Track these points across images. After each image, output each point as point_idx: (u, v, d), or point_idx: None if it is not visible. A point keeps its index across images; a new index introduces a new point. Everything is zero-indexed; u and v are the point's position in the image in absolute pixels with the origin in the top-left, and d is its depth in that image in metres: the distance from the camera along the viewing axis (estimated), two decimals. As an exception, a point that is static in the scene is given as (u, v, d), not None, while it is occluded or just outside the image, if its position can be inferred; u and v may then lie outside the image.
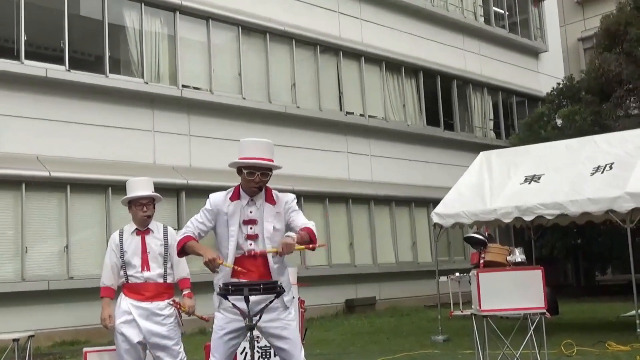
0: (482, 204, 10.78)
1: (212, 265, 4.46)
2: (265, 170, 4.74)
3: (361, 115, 17.97)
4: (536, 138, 16.85)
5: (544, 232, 15.33)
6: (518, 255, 6.72)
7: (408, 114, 19.22)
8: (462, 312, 12.91)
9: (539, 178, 10.64)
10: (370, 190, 17.47)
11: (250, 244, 4.73)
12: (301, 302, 6.78)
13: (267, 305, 4.46)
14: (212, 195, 4.86)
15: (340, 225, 16.81)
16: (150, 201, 5.86)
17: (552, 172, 10.67)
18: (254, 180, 4.71)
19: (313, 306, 13.90)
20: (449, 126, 20.45)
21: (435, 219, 11.05)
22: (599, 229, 16.11)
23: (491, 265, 6.76)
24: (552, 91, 20.52)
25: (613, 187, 9.68)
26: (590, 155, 10.78)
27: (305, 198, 15.89)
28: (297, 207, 4.89)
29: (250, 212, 4.74)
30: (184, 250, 4.70)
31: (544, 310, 6.36)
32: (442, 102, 20.15)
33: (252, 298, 4.46)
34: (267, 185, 4.87)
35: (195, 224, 4.80)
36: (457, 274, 14.00)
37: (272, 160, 4.83)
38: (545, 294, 6.51)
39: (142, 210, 5.78)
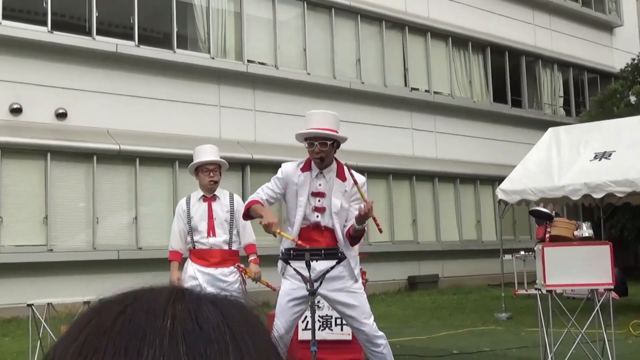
0: (549, 180, 10.57)
1: (267, 230, 4.55)
2: (324, 140, 4.76)
3: (426, 91, 17.79)
4: (608, 116, 16.32)
5: (614, 211, 14.93)
6: (585, 230, 6.56)
7: (474, 91, 18.92)
8: (526, 291, 12.75)
9: (610, 155, 10.35)
10: (434, 167, 17.33)
11: (317, 216, 4.78)
12: (363, 272, 6.80)
13: (328, 271, 4.51)
14: (284, 165, 4.96)
15: (404, 202, 16.76)
16: (216, 167, 5.98)
17: (624, 149, 10.36)
18: (314, 150, 4.77)
19: (375, 282, 13.95)
20: (517, 103, 20.04)
21: (500, 195, 10.90)
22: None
23: (557, 240, 6.63)
24: (626, 67, 19.85)
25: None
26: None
27: (369, 174, 15.84)
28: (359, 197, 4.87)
29: (320, 185, 4.81)
30: (248, 213, 4.79)
31: (611, 287, 6.21)
32: (510, 78, 19.74)
33: (316, 266, 4.53)
34: (338, 160, 4.93)
35: (265, 190, 4.90)
36: (522, 252, 13.80)
37: (334, 131, 4.84)
38: (613, 271, 6.36)
39: (208, 176, 5.91)
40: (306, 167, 4.88)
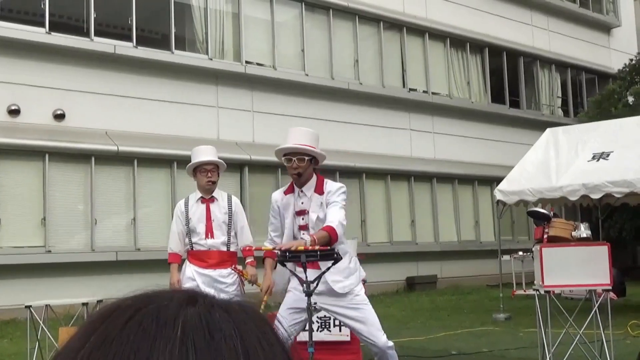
0: (547, 181, 10.56)
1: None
2: (302, 155, 4.81)
3: (424, 92, 17.79)
4: (606, 116, 16.32)
5: (613, 212, 14.93)
6: (583, 231, 6.56)
7: (472, 91, 18.92)
8: (525, 291, 12.74)
9: (608, 155, 10.34)
10: (432, 167, 17.33)
11: (303, 234, 4.83)
12: (361, 274, 6.79)
13: (323, 273, 4.52)
14: (273, 194, 5.21)
15: (402, 203, 16.76)
16: (214, 168, 5.97)
17: (621, 150, 10.35)
18: (292, 166, 4.85)
19: (374, 283, 13.93)
20: (515, 104, 20.04)
21: (498, 196, 10.90)
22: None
23: (555, 241, 6.63)
24: (624, 68, 19.86)
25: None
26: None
27: (367, 175, 15.91)
28: (338, 200, 4.95)
29: (302, 203, 4.98)
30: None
31: (609, 288, 6.20)
32: (508, 79, 19.75)
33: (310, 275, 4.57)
34: (320, 174, 5.02)
35: (270, 228, 5.19)
36: (521, 252, 13.80)
37: (311, 147, 4.88)
38: (611, 271, 6.35)
39: (206, 177, 5.90)
40: (289, 190, 5.05)
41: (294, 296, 4.88)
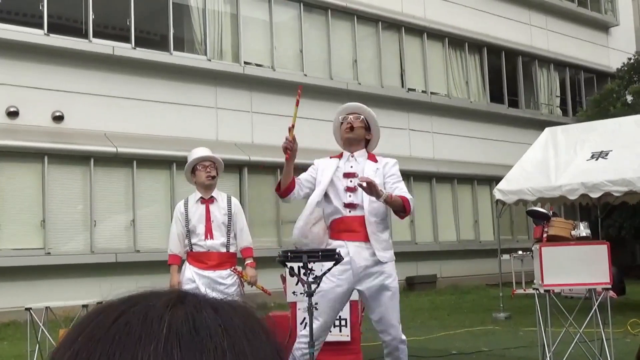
0: (546, 180, 10.58)
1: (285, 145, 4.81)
2: (357, 114, 5.05)
3: (423, 92, 17.81)
4: (605, 115, 16.35)
5: (612, 211, 14.94)
6: (583, 230, 6.58)
7: (471, 91, 18.94)
8: (524, 290, 12.76)
9: (607, 154, 10.36)
10: (432, 167, 17.34)
11: (350, 196, 4.82)
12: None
13: (324, 274, 4.51)
14: (316, 160, 5.22)
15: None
16: (212, 164, 5.98)
17: (620, 148, 10.37)
18: (347, 122, 4.97)
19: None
20: (514, 103, 20.06)
21: (497, 196, 10.92)
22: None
23: (554, 240, 6.64)
24: (622, 67, 19.89)
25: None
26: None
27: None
28: (398, 174, 5.00)
29: (351, 167, 4.92)
30: (280, 186, 4.96)
31: (609, 286, 6.22)
32: (507, 78, 19.76)
33: (357, 260, 4.71)
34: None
35: (304, 175, 5.10)
36: (520, 252, 13.82)
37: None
38: (610, 270, 6.36)
39: (205, 171, 5.90)
40: (337, 156, 5.06)
41: (330, 283, 4.77)
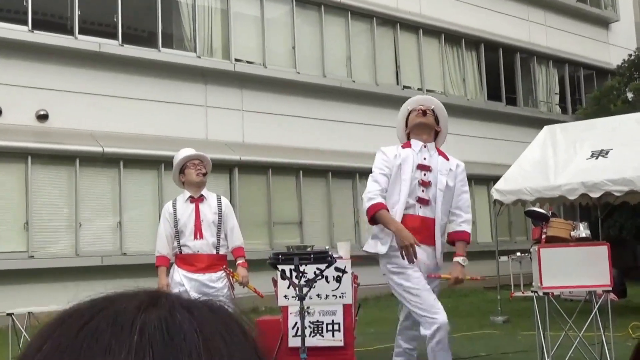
0: (545, 180, 10.59)
1: (407, 252, 4.51)
2: (428, 104, 4.99)
3: (419, 89, 17.79)
4: (605, 113, 16.38)
5: (612, 211, 14.96)
6: (582, 231, 6.57)
7: (468, 89, 18.95)
8: (523, 293, 12.75)
9: (607, 153, 10.37)
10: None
11: (422, 191, 4.74)
12: (354, 277, 6.82)
13: (314, 279, 4.51)
14: (381, 148, 5.07)
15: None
16: (201, 163, 5.97)
17: (621, 147, 10.39)
18: (420, 109, 4.89)
19: (368, 286, 13.89)
20: (512, 101, 20.08)
21: (495, 196, 10.91)
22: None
23: (553, 241, 6.64)
24: (623, 63, 19.92)
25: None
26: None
27: (360, 175, 15.88)
28: (467, 182, 5.04)
29: (424, 159, 4.81)
30: (374, 219, 4.69)
31: (609, 288, 6.22)
32: (505, 75, 19.79)
33: (424, 259, 4.63)
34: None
35: (378, 178, 4.82)
36: (519, 253, 13.81)
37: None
38: (611, 272, 6.36)
39: (196, 169, 5.88)
40: (407, 145, 4.92)
41: (416, 275, 4.68)
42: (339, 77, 16.19)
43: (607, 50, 23.06)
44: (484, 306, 12.87)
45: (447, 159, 4.90)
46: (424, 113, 4.84)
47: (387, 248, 4.64)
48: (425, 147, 4.80)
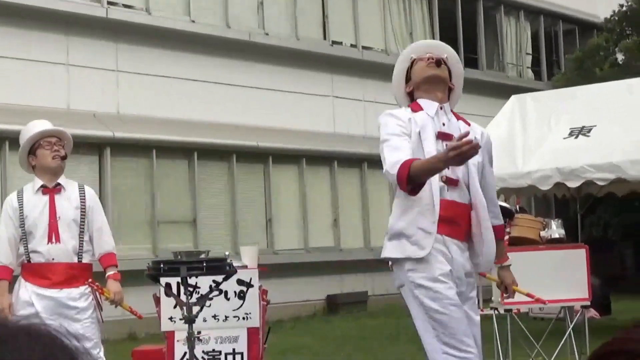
0: (512, 164, 10.83)
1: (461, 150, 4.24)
2: (440, 51, 4.84)
3: (353, 46, 17.92)
4: (589, 79, 16.90)
5: (595, 205, 15.45)
6: (555, 230, 6.77)
7: (416, 46, 19.17)
8: (482, 310, 13.06)
9: (589, 130, 10.68)
10: (363, 147, 17.49)
11: (449, 168, 4.48)
12: (263, 292, 6.84)
13: (208, 295, 4.54)
14: (389, 111, 4.77)
15: (322, 195, 16.87)
16: (59, 141, 5.88)
17: (607, 123, 10.70)
18: (430, 58, 4.72)
19: (283, 304, 14.00)
20: (472, 63, 20.44)
21: (448, 185, 11.11)
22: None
23: (519, 243, 6.83)
24: (612, 16, 20.50)
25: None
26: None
27: (274, 158, 15.93)
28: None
29: (443, 125, 4.66)
30: (413, 177, 4.31)
31: (588, 303, 6.46)
32: (464, 30, 20.11)
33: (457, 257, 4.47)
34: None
35: (399, 141, 4.52)
36: (478, 260, 14.15)
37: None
38: (590, 282, 6.61)
39: (51, 150, 5.79)
40: (417, 107, 4.71)
41: (446, 285, 4.42)
42: (247, 28, 16.14)
43: (593, -1, 23.71)
44: (433, 328, 13.10)
45: (469, 124, 4.77)
46: (438, 63, 4.69)
47: (426, 251, 4.35)
48: (441, 108, 4.66)
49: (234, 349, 6.41)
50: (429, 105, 4.64)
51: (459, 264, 4.45)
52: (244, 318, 6.53)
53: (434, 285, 4.35)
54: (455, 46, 19.51)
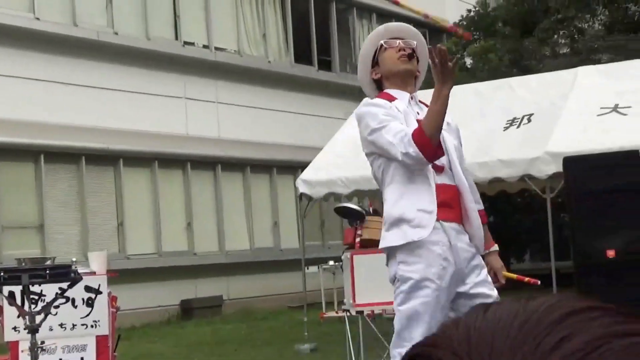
0: (364, 167, 10.91)
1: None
2: (411, 41, 4.70)
3: (205, 47, 17.84)
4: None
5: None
6: (405, 232, 6.92)
7: (270, 47, 19.26)
8: (337, 312, 13.22)
9: (440, 133, 10.98)
10: (216, 150, 17.45)
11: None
12: (113, 298, 6.74)
13: (52, 303, 4.44)
14: (370, 100, 4.64)
15: (175, 198, 16.72)
16: None
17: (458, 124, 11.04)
18: (403, 47, 4.59)
19: (135, 310, 13.81)
20: (326, 65, 20.68)
21: (301, 189, 11.22)
22: (515, 202, 16.86)
23: (370, 245, 6.95)
24: (460, 21, 21.15)
25: (531, 146, 10.18)
26: (505, 104, 11.26)
27: (125, 161, 15.68)
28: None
29: (418, 114, 4.57)
30: (432, 138, 4.28)
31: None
32: (317, 33, 20.31)
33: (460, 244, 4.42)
34: None
35: (396, 127, 4.39)
36: (332, 262, 14.28)
37: None
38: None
39: None
40: (390, 98, 4.61)
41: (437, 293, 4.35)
42: (95, 26, 15.84)
43: (442, 3, 24.35)
44: (287, 331, 13.20)
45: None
46: (410, 57, 4.63)
47: (427, 231, 4.29)
48: (412, 98, 4.66)
49: (82, 358, 6.29)
50: (401, 96, 4.61)
51: (459, 249, 4.41)
52: (92, 326, 6.42)
53: (423, 283, 4.31)
54: (308, 49, 19.89)
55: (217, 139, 17.83)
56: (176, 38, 17.43)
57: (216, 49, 18.03)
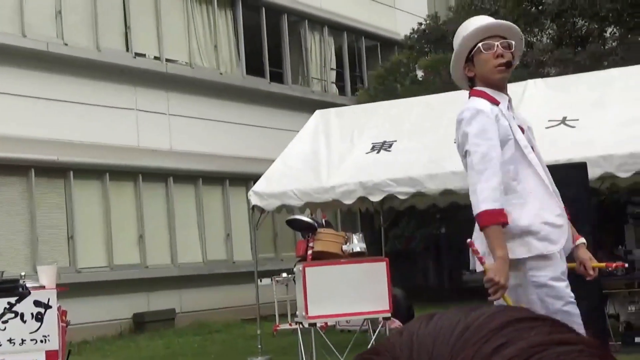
0: (316, 179, 11.04)
1: (494, 288, 4.16)
2: (508, 42, 4.60)
3: (156, 58, 17.76)
4: (391, 94, 17.48)
5: (398, 218, 15.95)
6: (356, 244, 6.95)
7: (222, 59, 19.24)
8: (290, 325, 13.24)
9: (390, 146, 11.04)
10: (168, 162, 17.37)
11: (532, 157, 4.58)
12: (63, 312, 6.68)
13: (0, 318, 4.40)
14: (474, 104, 4.52)
15: (127, 210, 16.60)
16: None
17: (407, 138, 11.11)
18: (496, 53, 4.51)
19: (87, 324, 13.69)
20: (277, 77, 20.71)
21: (253, 201, 11.20)
22: (467, 214, 16.97)
23: (322, 257, 6.97)
24: (411, 34, 21.26)
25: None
26: (456, 116, 11.34)
27: (75, 173, 15.55)
28: None
29: (513, 118, 4.62)
30: (495, 226, 4.27)
31: (389, 315, 6.66)
32: (269, 44, 20.34)
33: None
34: None
35: (496, 156, 4.36)
36: (285, 274, 14.30)
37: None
38: (391, 294, 6.82)
39: None
40: (491, 99, 4.53)
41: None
42: (45, 37, 15.69)
43: (394, 16, 24.52)
44: (240, 344, 13.18)
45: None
46: (508, 65, 4.54)
47: (557, 246, 4.38)
48: (509, 102, 4.66)
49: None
50: (502, 99, 4.57)
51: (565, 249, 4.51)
52: (42, 341, 6.34)
53: (557, 284, 4.38)
54: (260, 60, 19.90)
55: (169, 150, 17.75)
56: (127, 49, 17.34)
57: (167, 60, 17.97)
